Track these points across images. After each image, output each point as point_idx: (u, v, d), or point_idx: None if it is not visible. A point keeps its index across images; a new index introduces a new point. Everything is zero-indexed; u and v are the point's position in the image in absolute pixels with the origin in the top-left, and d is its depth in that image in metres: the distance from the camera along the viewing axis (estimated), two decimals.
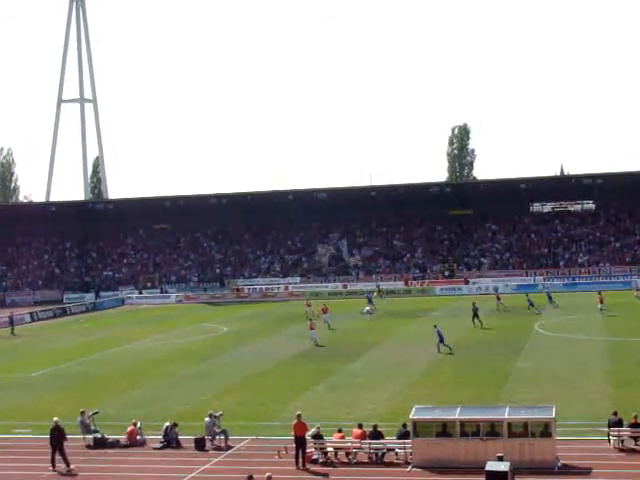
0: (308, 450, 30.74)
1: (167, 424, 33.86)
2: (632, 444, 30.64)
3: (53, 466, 31.50)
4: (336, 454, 31.26)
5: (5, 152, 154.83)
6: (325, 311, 69.47)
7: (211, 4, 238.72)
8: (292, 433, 30.81)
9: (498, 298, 76.39)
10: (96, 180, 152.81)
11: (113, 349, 62.53)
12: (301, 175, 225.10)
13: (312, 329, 59.38)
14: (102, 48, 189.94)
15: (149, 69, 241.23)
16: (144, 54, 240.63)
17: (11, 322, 77.74)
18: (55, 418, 32.59)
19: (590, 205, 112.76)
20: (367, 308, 76.05)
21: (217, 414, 34.06)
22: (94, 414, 35.07)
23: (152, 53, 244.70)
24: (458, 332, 61.58)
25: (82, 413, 34.81)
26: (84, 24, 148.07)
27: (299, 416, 31.08)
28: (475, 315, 65.04)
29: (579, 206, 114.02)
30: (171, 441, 33.53)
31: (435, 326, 54.46)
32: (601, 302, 70.15)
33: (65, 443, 31.69)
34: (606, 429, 31.17)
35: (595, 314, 67.12)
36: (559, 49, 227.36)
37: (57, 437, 31.71)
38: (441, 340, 52.54)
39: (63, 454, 31.52)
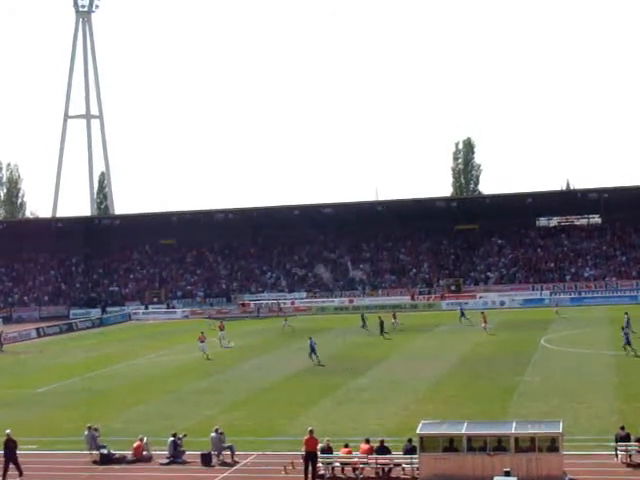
0: None
1: (171, 439, 33.78)
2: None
3: (4, 478, 31.96)
4: (343, 469, 31.18)
5: (12, 168, 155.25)
6: (222, 328, 70.60)
7: (216, 22, 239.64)
8: (302, 448, 30.71)
9: (394, 317, 77.30)
10: (102, 196, 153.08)
11: (119, 365, 62.50)
12: (307, 190, 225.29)
13: (202, 341, 63.12)
14: (108, 64, 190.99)
15: (155, 84, 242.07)
16: (150, 70, 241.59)
17: None
18: (7, 430, 32.94)
19: (596, 219, 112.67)
20: (393, 321, 75.54)
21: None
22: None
23: (158, 68, 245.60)
24: (465, 346, 61.56)
25: (89, 428, 34.80)
26: (90, 40, 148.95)
27: (311, 431, 30.96)
28: (381, 330, 70.24)
29: (585, 220, 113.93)
30: (177, 455, 33.47)
31: (310, 338, 58.57)
32: (484, 322, 69.83)
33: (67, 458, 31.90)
34: (613, 444, 31.05)
35: (602, 328, 66.91)
36: (564, 63, 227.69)
37: (11, 448, 32.20)
38: (313, 351, 56.83)
39: (17, 464, 32.10)
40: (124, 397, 48.51)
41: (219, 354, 64.63)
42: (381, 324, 71.72)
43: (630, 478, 29.27)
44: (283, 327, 77.99)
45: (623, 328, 56.57)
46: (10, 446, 32.21)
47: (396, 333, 72.71)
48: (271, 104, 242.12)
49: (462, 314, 79.31)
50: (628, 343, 54.53)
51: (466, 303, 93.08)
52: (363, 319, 77.33)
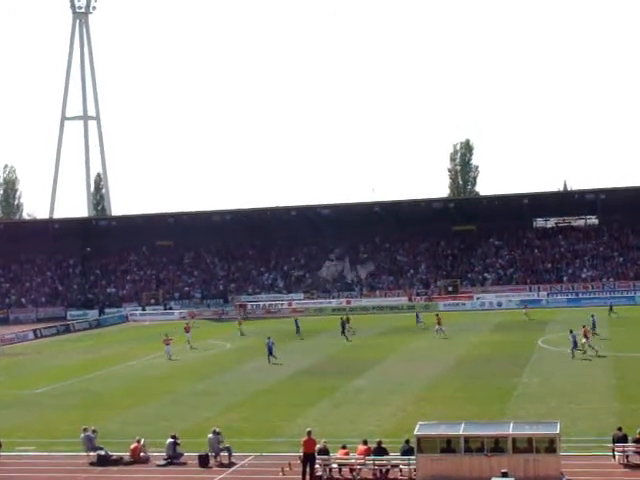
0: None
1: (170, 440, 33.79)
2: (637, 460, 30.53)
3: None
4: (340, 470, 31.18)
5: (9, 169, 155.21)
6: (187, 330, 70.86)
7: (214, 22, 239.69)
8: (300, 449, 30.74)
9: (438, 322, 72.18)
10: (99, 197, 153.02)
11: (116, 366, 62.46)
12: (304, 191, 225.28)
13: (167, 344, 64.12)
14: (105, 65, 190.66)
15: (152, 86, 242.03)
16: (147, 71, 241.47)
17: None
18: None
19: (593, 220, 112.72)
20: (437, 327, 71.69)
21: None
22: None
23: (155, 70, 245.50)
24: (462, 348, 61.60)
25: (85, 430, 34.79)
26: (87, 41, 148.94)
27: (309, 433, 31.01)
28: (343, 330, 70.73)
29: (582, 221, 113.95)
30: (176, 456, 33.48)
31: (268, 338, 60.42)
32: (438, 323, 69.12)
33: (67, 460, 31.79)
34: (611, 445, 31.08)
35: (600, 329, 66.85)
36: (561, 64, 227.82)
37: None
38: (270, 352, 58.56)
39: None
40: (121, 398, 48.48)
41: (218, 356, 64.57)
42: (343, 325, 71.91)
43: (627, 479, 29.30)
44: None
45: (571, 331, 56.14)
46: None
47: (394, 334, 72.75)
48: (269, 105, 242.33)
49: (418, 318, 78.56)
50: (575, 346, 54.59)
51: (426, 307, 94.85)
52: (343, 326, 73.70)
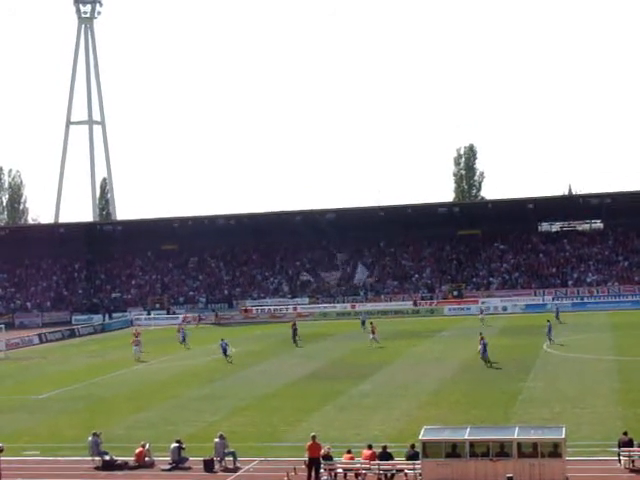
0: None
1: (175, 445, 33.79)
2: None
3: None
4: (345, 475, 31.14)
5: (14, 174, 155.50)
6: (136, 343, 70.15)
7: (216, 26, 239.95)
8: (305, 454, 30.72)
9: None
10: (104, 201, 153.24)
11: (121, 371, 62.48)
12: (309, 196, 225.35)
13: (136, 345, 67.52)
14: (110, 70, 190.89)
15: (157, 90, 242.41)
16: (152, 75, 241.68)
17: None
18: None
19: (598, 224, 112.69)
20: (372, 336, 71.87)
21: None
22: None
23: (160, 74, 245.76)
24: (467, 352, 61.47)
25: (94, 434, 34.80)
26: (92, 46, 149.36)
27: (314, 437, 31.01)
28: (294, 336, 71.88)
29: (587, 225, 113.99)
30: (181, 461, 33.47)
31: (222, 339, 64.33)
32: (373, 332, 68.73)
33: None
34: (616, 449, 31.01)
35: (605, 334, 66.88)
36: (566, 69, 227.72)
37: None
38: (224, 352, 62.65)
39: None
40: (126, 403, 48.49)
41: (223, 360, 64.56)
42: (294, 331, 72.16)
43: None
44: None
45: (482, 337, 56.47)
46: None
47: (399, 339, 72.72)
48: (273, 109, 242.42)
49: (362, 324, 78.98)
50: (485, 352, 54.91)
51: (431, 311, 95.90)
52: (294, 333, 73.45)
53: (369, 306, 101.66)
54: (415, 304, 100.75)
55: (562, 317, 73.50)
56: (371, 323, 72.62)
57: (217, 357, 65.61)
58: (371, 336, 68.40)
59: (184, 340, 74.87)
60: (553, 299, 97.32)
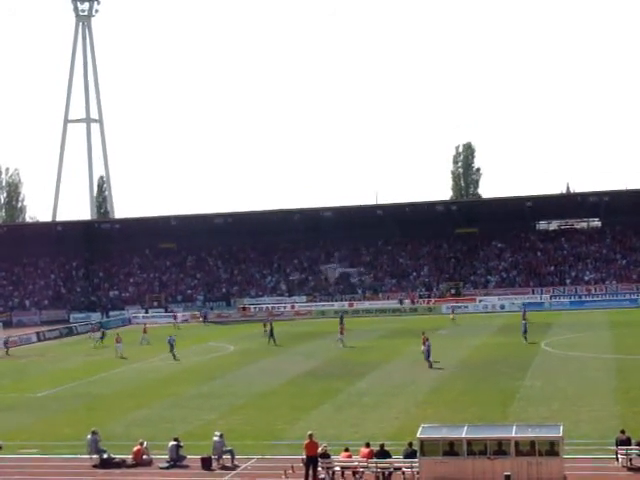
0: None
1: (173, 443, 33.80)
2: None
3: None
4: (343, 473, 31.14)
5: (11, 172, 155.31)
6: (118, 341, 70.71)
7: (215, 24, 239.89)
8: (303, 452, 30.74)
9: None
10: (102, 199, 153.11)
11: (119, 369, 62.48)
12: (307, 194, 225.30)
13: (118, 342, 69.81)
14: (108, 68, 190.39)
15: (154, 88, 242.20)
16: (149, 73, 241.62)
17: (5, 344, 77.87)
18: None
19: (596, 223, 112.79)
20: (339, 336, 70.21)
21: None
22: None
23: (157, 72, 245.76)
24: (465, 350, 61.59)
25: (93, 432, 34.80)
26: (90, 44, 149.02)
27: (311, 436, 31.05)
28: (271, 335, 71.42)
29: (585, 224, 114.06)
30: (179, 459, 33.49)
31: (170, 336, 68.64)
32: (341, 333, 68.91)
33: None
34: (614, 447, 31.04)
35: (602, 332, 66.95)
36: (564, 67, 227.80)
37: None
38: (171, 348, 66.31)
39: None
40: (124, 401, 48.48)
41: (221, 358, 64.54)
42: (271, 330, 72.09)
43: None
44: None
45: (427, 339, 56.47)
46: None
47: (397, 337, 72.76)
48: (271, 107, 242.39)
49: (341, 321, 78.75)
50: (428, 356, 55.01)
51: (429, 309, 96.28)
52: (270, 331, 73.06)
53: (367, 304, 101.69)
54: (413, 302, 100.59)
55: (529, 317, 73.65)
56: (341, 324, 72.29)
57: (215, 355, 65.62)
58: (338, 336, 68.32)
59: (172, 348, 67.62)
60: (551, 297, 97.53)
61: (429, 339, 56.98)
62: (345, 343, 67.46)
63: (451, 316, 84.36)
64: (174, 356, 65.63)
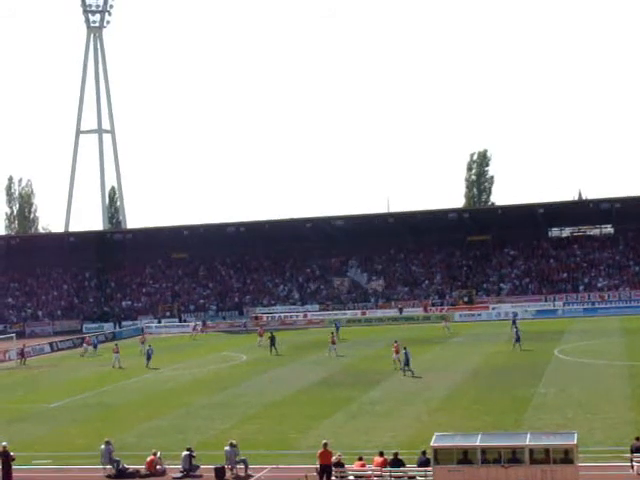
0: None
1: (186, 453, 33.78)
2: None
3: None
4: None
5: (24, 183, 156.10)
6: (116, 351, 70.44)
7: (222, 34, 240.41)
8: (317, 462, 30.66)
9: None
10: (114, 210, 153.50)
11: (132, 379, 62.52)
12: (319, 203, 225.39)
13: (116, 352, 69.66)
14: (120, 79, 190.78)
15: (166, 99, 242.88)
16: (161, 84, 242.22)
17: (22, 354, 77.91)
18: (4, 443, 33.38)
19: (609, 229, 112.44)
20: (331, 346, 69.28)
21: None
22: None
23: (169, 83, 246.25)
24: (478, 358, 61.44)
25: (107, 443, 34.81)
26: (102, 55, 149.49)
27: (326, 445, 30.93)
28: (272, 345, 70.87)
29: (598, 230, 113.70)
30: (192, 469, 33.47)
31: (149, 345, 69.96)
32: (333, 343, 68.32)
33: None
34: (629, 455, 30.88)
35: (616, 339, 66.66)
36: (576, 74, 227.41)
37: (7, 461, 32.70)
38: (149, 357, 67.02)
39: (10, 477, 32.53)
40: (137, 411, 48.51)
41: (234, 368, 64.49)
42: (272, 339, 71.87)
43: None
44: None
45: (405, 349, 56.06)
46: (4, 460, 32.52)
47: (411, 345, 72.65)
48: (282, 116, 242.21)
49: (337, 329, 78.75)
50: (407, 364, 54.82)
51: (442, 317, 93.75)
52: (271, 340, 72.68)
53: (379, 313, 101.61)
54: (426, 310, 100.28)
55: (519, 325, 73.69)
56: (332, 334, 72.05)
57: (228, 365, 65.59)
58: (330, 346, 67.93)
59: (148, 358, 68.13)
60: (564, 304, 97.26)
61: (407, 347, 56.61)
62: (337, 352, 67.23)
63: (445, 324, 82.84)
64: (146, 365, 66.81)
